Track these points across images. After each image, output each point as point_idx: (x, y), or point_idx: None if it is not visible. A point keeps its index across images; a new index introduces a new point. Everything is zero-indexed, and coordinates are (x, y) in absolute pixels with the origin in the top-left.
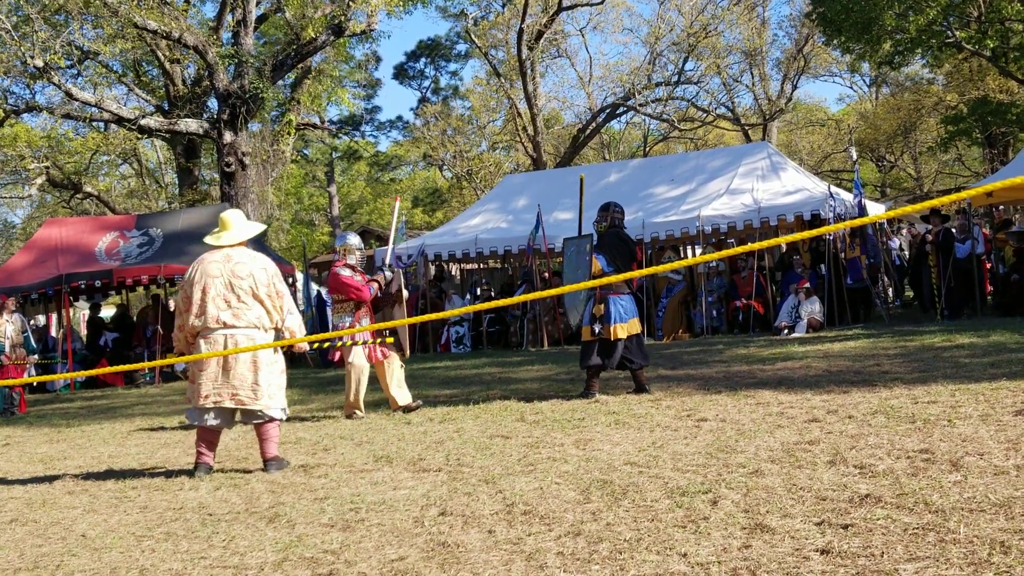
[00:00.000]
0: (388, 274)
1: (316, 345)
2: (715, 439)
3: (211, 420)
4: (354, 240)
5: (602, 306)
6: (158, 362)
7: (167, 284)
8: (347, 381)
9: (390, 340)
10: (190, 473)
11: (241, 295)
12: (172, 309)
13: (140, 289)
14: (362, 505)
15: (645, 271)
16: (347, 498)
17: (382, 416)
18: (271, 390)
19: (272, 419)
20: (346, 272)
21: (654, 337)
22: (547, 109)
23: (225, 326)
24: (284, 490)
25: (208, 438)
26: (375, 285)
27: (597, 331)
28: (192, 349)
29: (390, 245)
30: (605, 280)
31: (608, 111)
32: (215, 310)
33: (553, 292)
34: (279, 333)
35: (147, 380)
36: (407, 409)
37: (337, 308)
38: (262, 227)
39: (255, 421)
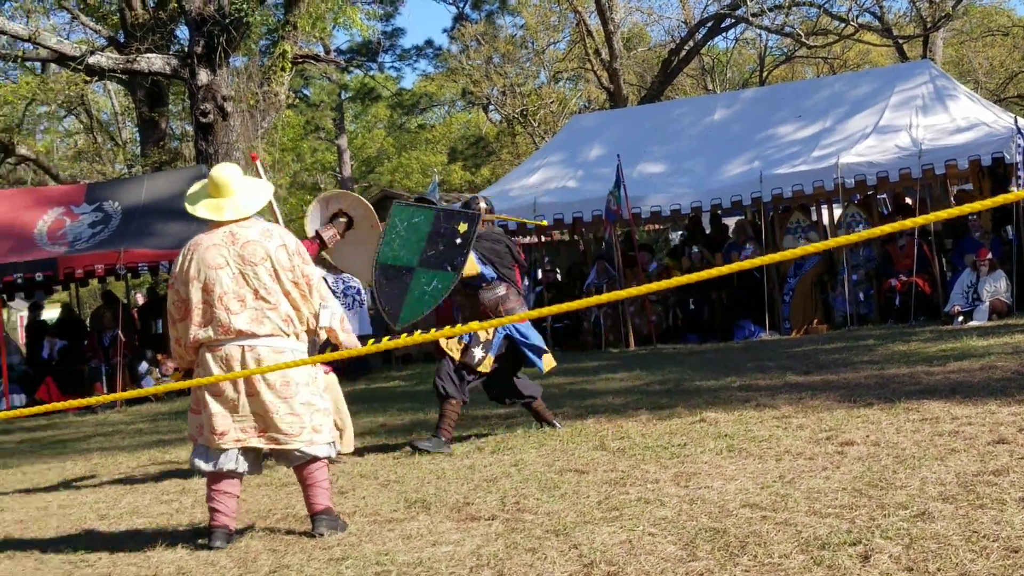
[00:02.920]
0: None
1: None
2: (865, 470)
3: (231, 464)
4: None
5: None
6: (135, 392)
7: (128, 275)
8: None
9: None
10: (207, 536)
11: (260, 289)
12: (134, 306)
13: (94, 283)
14: (392, 567)
15: (761, 260)
16: (372, 558)
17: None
18: (314, 419)
19: (316, 458)
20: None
21: (779, 331)
22: (627, 24)
23: (241, 335)
24: (288, 548)
25: (227, 490)
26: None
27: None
28: (198, 367)
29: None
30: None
31: (710, 25)
32: (226, 315)
33: (654, 288)
34: (312, 336)
35: (106, 405)
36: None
37: None
38: (271, 188)
39: (295, 464)
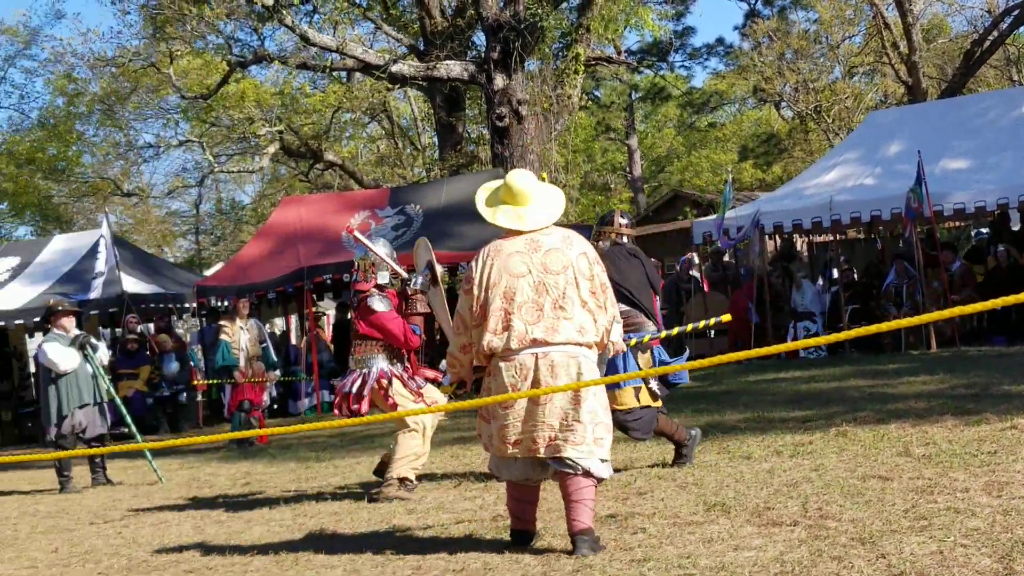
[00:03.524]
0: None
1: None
2: None
3: (525, 474)
4: (383, 249)
5: (649, 354)
6: (451, 405)
7: None
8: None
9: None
10: (509, 537)
11: (558, 299)
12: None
13: (396, 283)
14: (694, 571)
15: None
16: (673, 561)
17: (708, 449)
18: (596, 431)
19: (588, 473)
20: (384, 306)
21: None
22: (927, 15)
23: (535, 344)
24: None
25: (525, 497)
26: (419, 322)
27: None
28: (490, 378)
29: (382, 253)
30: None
31: (1016, 13)
32: (522, 325)
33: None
34: (602, 350)
35: None
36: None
37: (361, 347)
38: (561, 196)
39: (565, 470)
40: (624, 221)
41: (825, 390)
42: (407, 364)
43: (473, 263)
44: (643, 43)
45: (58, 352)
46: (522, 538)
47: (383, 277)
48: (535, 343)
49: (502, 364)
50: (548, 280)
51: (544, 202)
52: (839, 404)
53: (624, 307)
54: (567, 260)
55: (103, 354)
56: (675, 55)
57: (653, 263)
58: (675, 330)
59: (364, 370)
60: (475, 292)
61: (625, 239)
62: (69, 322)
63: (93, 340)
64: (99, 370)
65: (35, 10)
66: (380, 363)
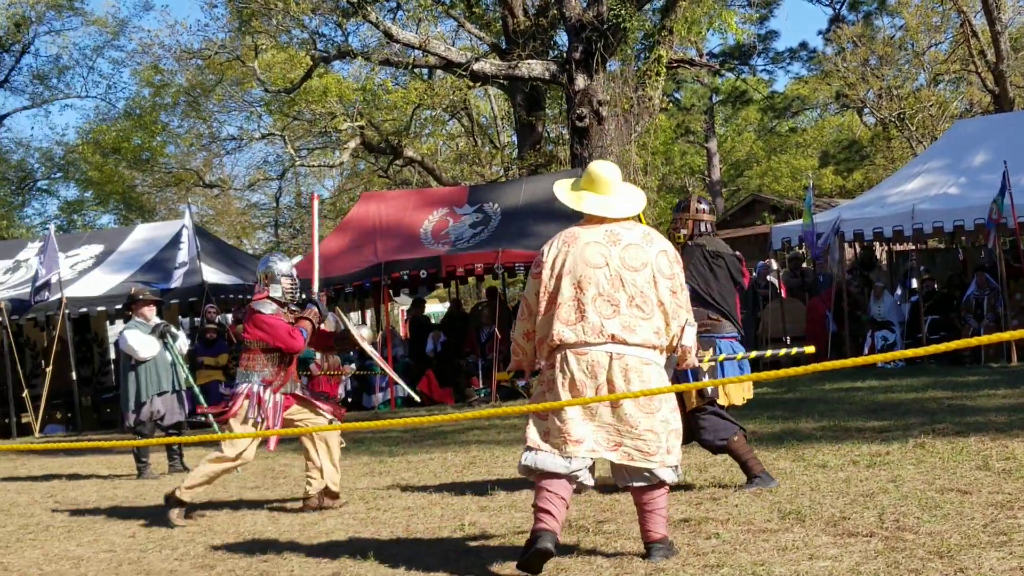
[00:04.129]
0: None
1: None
2: None
3: (582, 471)
4: (282, 266)
5: (710, 352)
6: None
7: (505, 274)
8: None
9: None
10: (531, 538)
11: (635, 296)
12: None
13: (471, 280)
14: None
15: None
16: (747, 567)
17: (783, 457)
18: (669, 439)
19: (663, 483)
20: (269, 309)
21: None
22: (1016, 24)
23: (613, 340)
24: None
25: (563, 495)
26: (307, 326)
27: (708, 395)
28: (554, 370)
29: (315, 267)
30: None
31: None
32: (598, 318)
33: None
34: (671, 353)
35: (481, 398)
36: (333, 498)
37: (247, 360)
38: (643, 193)
39: (637, 483)
40: (703, 207)
41: (903, 401)
42: (283, 374)
43: (546, 247)
44: (725, 46)
45: (138, 339)
46: (549, 538)
47: (275, 290)
48: (613, 339)
49: (573, 358)
50: (626, 276)
51: (628, 194)
52: (917, 415)
53: (699, 308)
54: (647, 257)
55: (183, 343)
56: (757, 59)
57: (737, 257)
58: (752, 354)
59: (244, 385)
60: (544, 277)
61: (704, 226)
62: (150, 311)
63: (173, 329)
64: (178, 359)
65: (124, 2)
66: (254, 378)
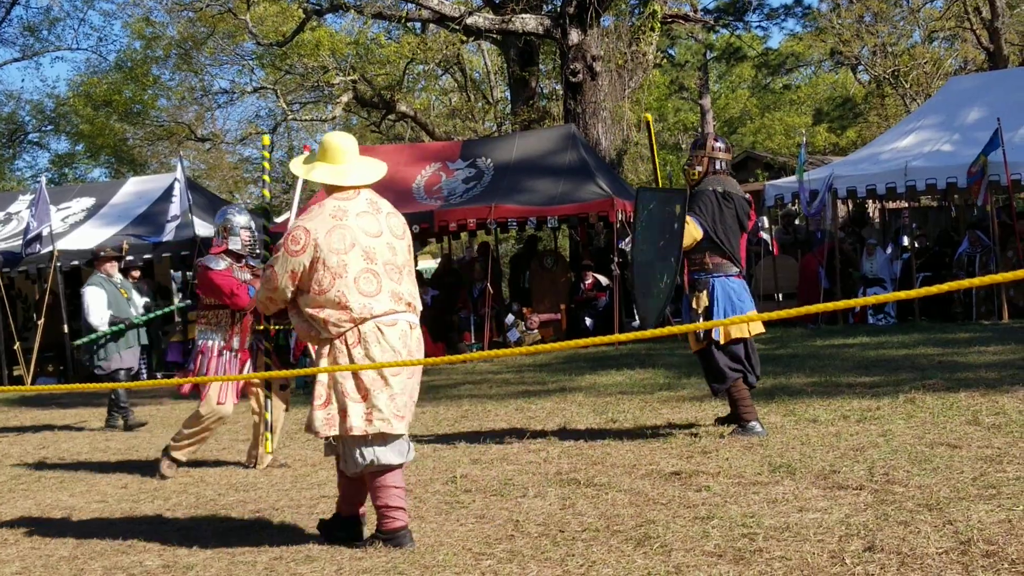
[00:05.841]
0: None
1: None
2: None
3: (411, 451)
4: (240, 219)
5: (704, 294)
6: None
7: (497, 229)
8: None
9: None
10: (390, 540)
11: (405, 265)
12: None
13: (463, 235)
14: (758, 530)
15: None
16: (737, 519)
17: (775, 412)
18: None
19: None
20: (221, 265)
21: None
22: None
23: (410, 308)
24: (652, 505)
25: (401, 484)
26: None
27: (704, 336)
28: (358, 345)
29: (293, 208)
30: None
31: None
32: (396, 287)
33: None
34: None
35: (474, 353)
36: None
37: (205, 318)
38: (383, 167)
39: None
40: (719, 145)
41: (894, 357)
42: (235, 333)
43: (308, 224)
44: (720, 2)
45: (95, 299)
46: (409, 537)
47: (234, 243)
48: (410, 308)
49: (388, 330)
50: (395, 244)
51: (364, 162)
52: (908, 371)
53: (705, 247)
54: (403, 227)
55: (137, 300)
56: (752, 15)
57: (747, 200)
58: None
59: (201, 342)
60: (315, 254)
61: (719, 164)
62: (112, 267)
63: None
64: (139, 319)
65: None
66: (213, 336)
